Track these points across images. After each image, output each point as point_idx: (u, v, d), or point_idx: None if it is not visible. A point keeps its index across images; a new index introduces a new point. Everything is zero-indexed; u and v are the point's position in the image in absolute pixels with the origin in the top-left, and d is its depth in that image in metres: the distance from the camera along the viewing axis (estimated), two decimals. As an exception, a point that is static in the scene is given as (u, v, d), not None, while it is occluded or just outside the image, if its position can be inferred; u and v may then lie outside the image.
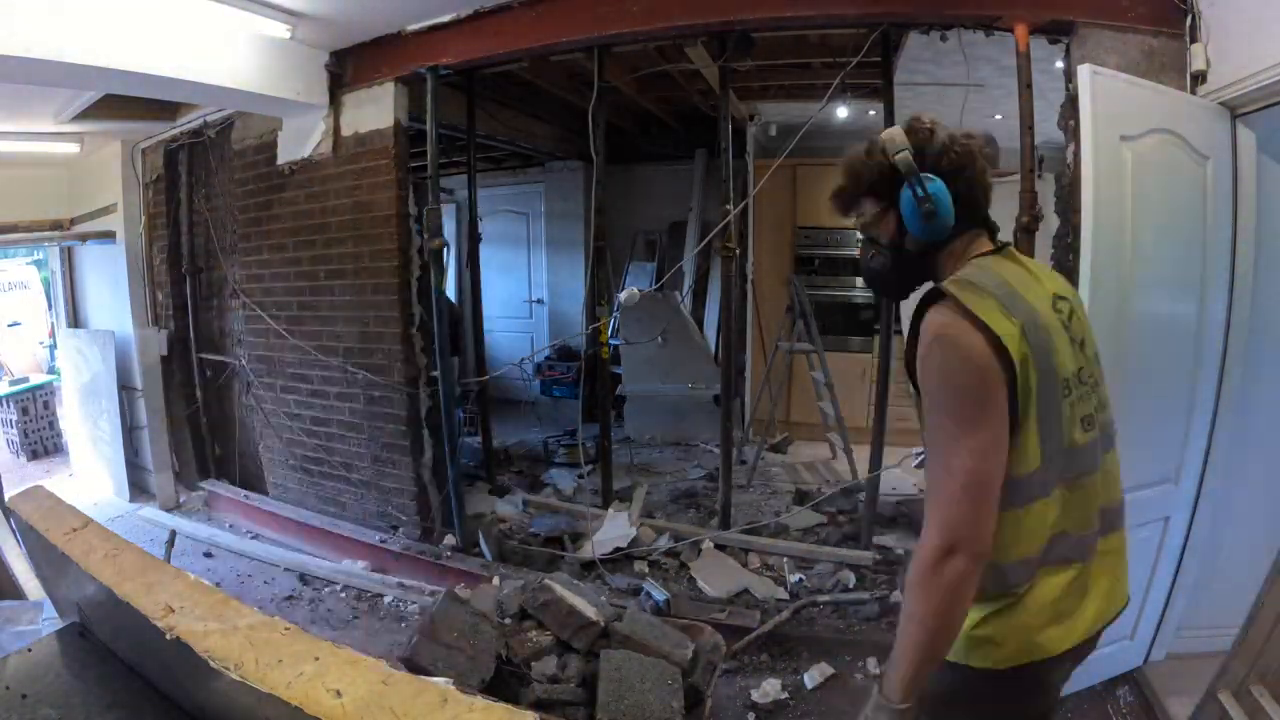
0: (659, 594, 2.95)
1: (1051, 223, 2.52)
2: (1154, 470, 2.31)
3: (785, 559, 3.45)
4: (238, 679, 0.90)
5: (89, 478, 5.13)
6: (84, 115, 3.80)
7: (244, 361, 4.31)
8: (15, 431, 5.86)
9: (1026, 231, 2.57)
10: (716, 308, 5.62)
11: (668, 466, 5.00)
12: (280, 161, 3.85)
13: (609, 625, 2.14)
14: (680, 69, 4.17)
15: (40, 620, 1.87)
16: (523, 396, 6.48)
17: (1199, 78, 2.29)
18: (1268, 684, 1.78)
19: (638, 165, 6.47)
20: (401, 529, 3.73)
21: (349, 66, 3.56)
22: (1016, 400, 1.07)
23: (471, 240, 4.35)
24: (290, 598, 3.44)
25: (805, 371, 5.71)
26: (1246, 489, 2.42)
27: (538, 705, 1.90)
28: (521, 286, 7.19)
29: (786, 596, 3.17)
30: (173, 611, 1.03)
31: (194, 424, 4.74)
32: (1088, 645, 1.20)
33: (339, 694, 0.86)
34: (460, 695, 0.86)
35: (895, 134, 1.20)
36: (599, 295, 3.77)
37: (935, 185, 1.18)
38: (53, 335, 7.28)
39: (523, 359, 5.06)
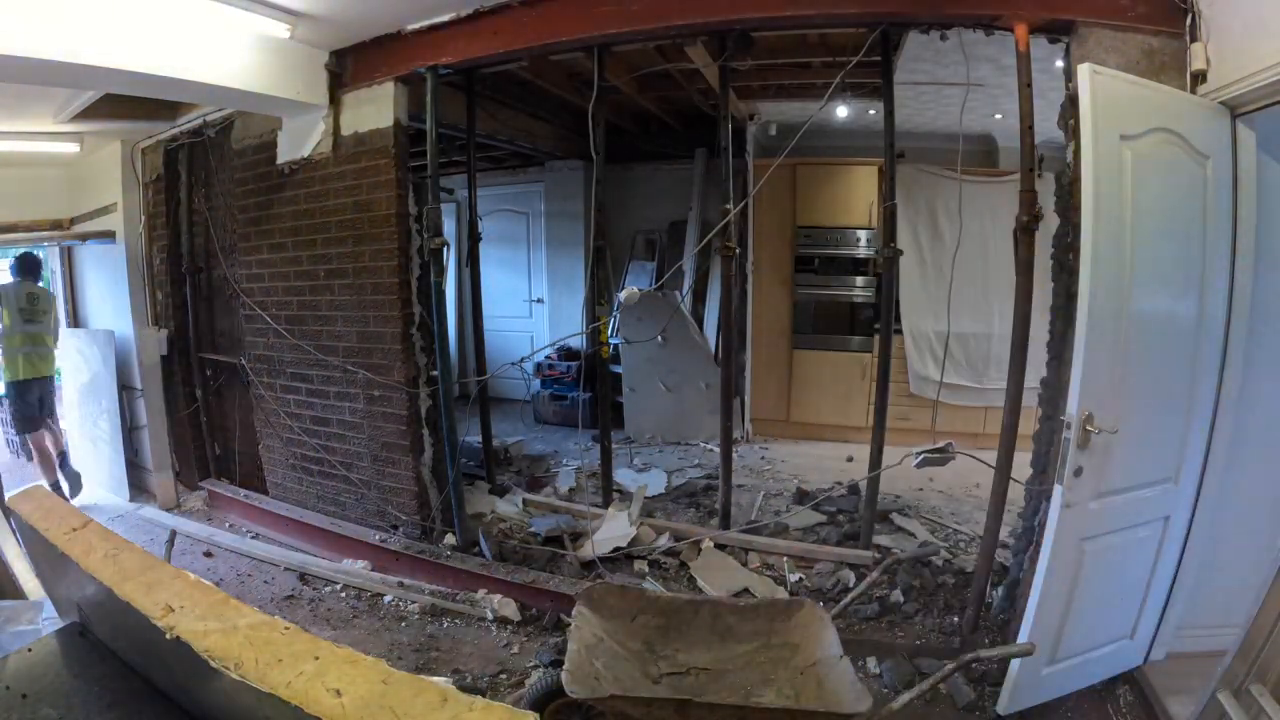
0: (659, 593, 2.95)
1: (1051, 222, 2.52)
2: (1154, 470, 2.32)
3: (785, 558, 3.46)
4: (237, 678, 0.90)
5: (89, 478, 5.13)
6: (84, 115, 3.80)
7: (244, 361, 4.31)
8: (15, 431, 5.85)
9: (1026, 231, 2.57)
10: (716, 307, 5.62)
11: (668, 466, 5.00)
12: (280, 161, 3.85)
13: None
14: (680, 68, 4.17)
15: (40, 620, 1.86)
16: (522, 396, 6.49)
17: (1199, 77, 2.29)
18: (1268, 684, 1.78)
19: (638, 165, 6.47)
20: (401, 528, 3.74)
21: (349, 66, 3.56)
22: None
23: (471, 240, 4.35)
24: (290, 597, 3.44)
25: (806, 371, 5.73)
26: (1246, 489, 2.42)
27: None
28: (521, 286, 7.19)
29: (787, 595, 3.18)
30: (173, 611, 1.03)
31: (194, 424, 4.74)
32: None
33: (339, 693, 0.86)
34: (460, 695, 0.87)
35: None
36: (599, 295, 3.77)
37: None
38: (53, 335, 7.27)
39: (523, 359, 5.06)
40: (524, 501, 4.21)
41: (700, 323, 5.81)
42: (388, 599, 3.36)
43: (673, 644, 2.21)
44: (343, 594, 3.44)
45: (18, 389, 4.62)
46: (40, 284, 4.83)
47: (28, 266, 4.70)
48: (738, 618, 2.24)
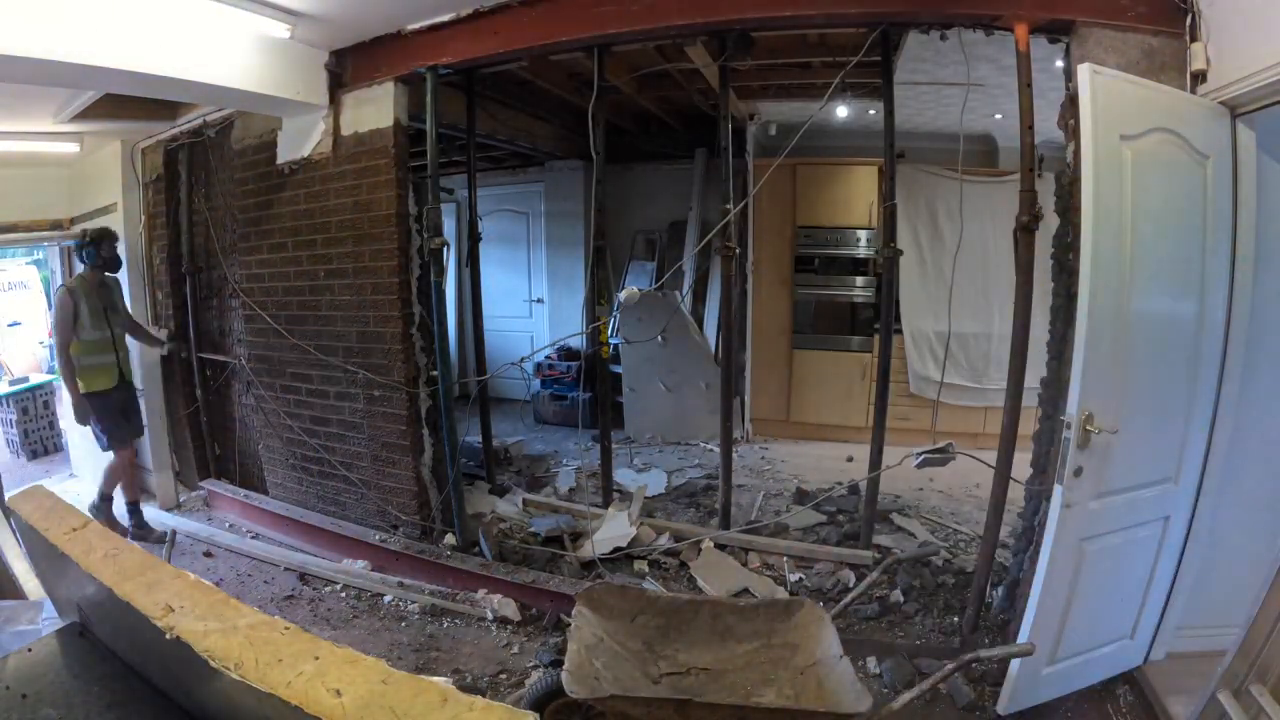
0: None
1: (1051, 222, 2.52)
2: (1154, 470, 2.32)
3: (785, 558, 3.46)
4: (238, 678, 0.90)
5: (89, 478, 5.12)
6: (84, 115, 3.79)
7: (244, 361, 4.31)
8: (15, 431, 5.86)
9: (1026, 231, 2.57)
10: (716, 307, 5.62)
11: (668, 466, 5.00)
12: (280, 161, 3.85)
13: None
14: (680, 68, 4.17)
15: (40, 620, 1.86)
16: (522, 396, 6.49)
17: (1199, 77, 2.29)
18: (1268, 684, 1.78)
19: (638, 165, 6.47)
20: (401, 528, 3.74)
21: (349, 66, 3.56)
22: None
23: (471, 240, 4.35)
24: (290, 597, 3.44)
25: (806, 371, 5.73)
26: (1246, 488, 2.42)
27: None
28: (521, 286, 7.19)
29: (787, 595, 3.18)
30: (172, 611, 1.03)
31: (194, 424, 4.74)
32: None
33: (339, 693, 0.86)
34: (460, 695, 0.87)
35: None
36: (599, 295, 3.77)
37: None
38: (53, 335, 7.27)
39: (523, 359, 5.06)
40: (524, 501, 4.21)
41: (700, 323, 5.81)
42: (388, 599, 3.36)
43: (673, 644, 2.21)
44: (343, 594, 3.44)
45: (101, 400, 4.02)
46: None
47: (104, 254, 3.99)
48: (738, 618, 2.24)
